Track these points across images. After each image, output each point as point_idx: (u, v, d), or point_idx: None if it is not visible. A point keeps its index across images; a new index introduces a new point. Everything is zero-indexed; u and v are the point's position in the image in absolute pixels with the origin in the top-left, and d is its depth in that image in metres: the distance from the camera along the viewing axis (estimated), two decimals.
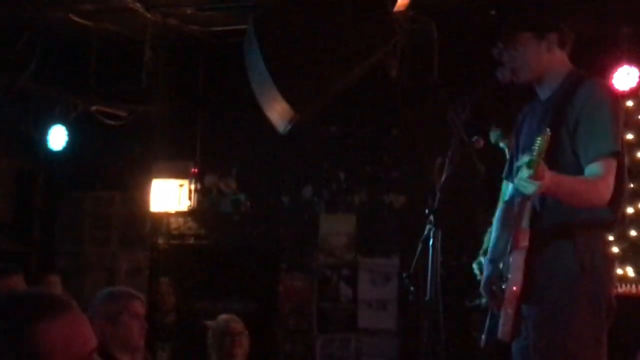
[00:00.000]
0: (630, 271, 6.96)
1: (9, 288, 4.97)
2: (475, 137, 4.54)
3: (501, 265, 3.98)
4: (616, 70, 7.18)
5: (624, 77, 7.15)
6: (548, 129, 3.57)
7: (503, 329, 3.84)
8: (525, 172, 3.49)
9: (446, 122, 5.01)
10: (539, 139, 3.49)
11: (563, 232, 3.84)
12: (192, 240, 9.09)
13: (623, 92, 7.21)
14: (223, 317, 5.88)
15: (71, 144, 8.62)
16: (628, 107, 7.50)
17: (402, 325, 8.08)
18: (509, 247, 3.90)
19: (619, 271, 6.85)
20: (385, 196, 8.50)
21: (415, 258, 4.39)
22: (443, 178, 4.40)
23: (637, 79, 7.17)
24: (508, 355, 4.11)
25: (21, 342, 1.98)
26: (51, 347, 2.00)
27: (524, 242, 3.81)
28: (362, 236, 8.53)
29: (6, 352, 1.98)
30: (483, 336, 4.07)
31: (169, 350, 8.17)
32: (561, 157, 3.84)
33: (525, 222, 3.82)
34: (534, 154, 3.49)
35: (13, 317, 2.01)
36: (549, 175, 3.53)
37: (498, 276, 3.98)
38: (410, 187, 8.09)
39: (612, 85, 7.08)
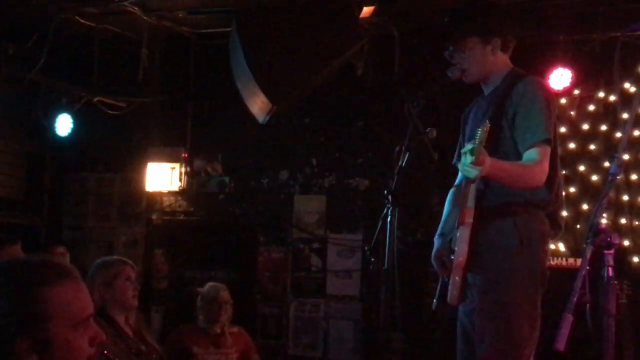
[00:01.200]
0: (561, 246, 7.04)
1: (8, 257, 4.93)
2: (430, 128, 4.55)
3: (450, 239, 4.01)
4: (552, 72, 7.17)
5: (558, 78, 7.16)
6: (488, 121, 3.59)
7: (451, 294, 3.89)
8: (467, 159, 3.50)
9: (404, 115, 5.01)
10: (479, 130, 3.51)
11: (504, 211, 3.86)
12: (182, 217, 9.07)
13: (557, 91, 7.24)
14: (213, 285, 5.92)
15: (76, 130, 8.58)
16: (562, 104, 7.54)
17: (364, 292, 8.07)
18: (456, 223, 3.93)
19: (552, 246, 6.93)
20: (351, 180, 8.48)
21: (376, 233, 4.40)
22: (401, 164, 4.43)
23: (570, 80, 7.20)
24: (455, 317, 4.15)
25: (25, 305, 1.95)
26: (52, 311, 1.96)
27: (469, 219, 3.84)
28: (330, 214, 8.49)
29: (10, 312, 1.94)
30: (434, 300, 4.08)
31: (161, 312, 8.18)
32: (502, 145, 3.88)
33: (470, 202, 3.85)
34: (476, 142, 3.50)
35: (19, 281, 1.98)
36: (489, 161, 3.54)
37: (447, 248, 4.04)
38: (373, 172, 8.10)
39: (548, 84, 7.19)
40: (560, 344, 2.53)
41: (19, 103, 8.65)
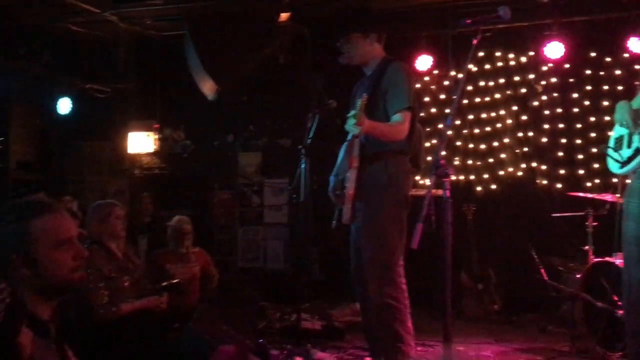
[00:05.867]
0: (427, 182, 7.18)
1: None
2: (331, 100, 4.59)
3: (342, 178, 4.06)
4: (417, 58, 7.25)
5: (422, 62, 7.24)
6: (365, 94, 3.66)
7: (345, 216, 3.90)
8: (351, 121, 3.56)
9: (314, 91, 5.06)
10: (359, 101, 3.58)
11: (378, 157, 3.89)
12: (156, 171, 8.97)
13: (422, 71, 7.35)
14: (177, 217, 5.74)
15: (74, 109, 8.44)
16: (426, 81, 7.65)
17: (290, 220, 8.14)
18: (347, 167, 3.97)
19: (422, 181, 7.04)
20: (279, 140, 8.46)
21: (296, 177, 4.45)
22: (310, 126, 4.47)
23: (431, 63, 7.27)
24: (348, 233, 4.19)
25: (18, 232, 1.96)
26: (37, 236, 1.96)
27: (356, 164, 3.87)
28: (265, 165, 8.52)
29: (8, 237, 1.96)
30: (334, 222, 4.06)
31: (146, 239, 8.07)
32: (377, 111, 3.87)
33: (355, 152, 3.88)
34: (357, 109, 3.57)
35: (14, 215, 1.98)
36: (367, 122, 3.59)
37: (339, 185, 4.05)
38: (294, 133, 8.09)
39: (414, 66, 7.20)
40: (414, 244, 2.60)
41: (30, 90, 8.44)
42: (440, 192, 2.79)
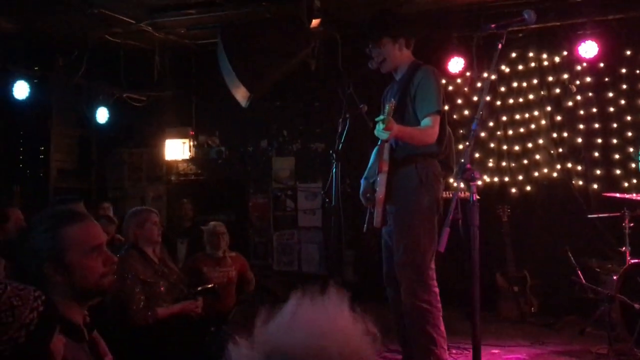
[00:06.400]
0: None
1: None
2: (362, 104, 4.63)
3: (372, 182, 4.09)
4: (450, 60, 7.21)
5: (455, 64, 7.19)
6: (393, 100, 3.70)
7: (376, 220, 3.91)
8: (380, 126, 3.59)
9: (348, 95, 5.08)
10: (387, 105, 3.61)
11: (408, 161, 3.90)
12: (192, 177, 9.11)
13: (454, 73, 7.31)
14: (212, 223, 5.80)
15: (111, 118, 8.60)
16: (458, 83, 7.60)
17: (324, 224, 8.17)
18: (377, 171, 3.98)
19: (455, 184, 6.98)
20: (312, 144, 8.51)
21: (328, 182, 4.47)
22: (341, 131, 4.49)
23: (463, 65, 7.22)
24: (380, 236, 4.22)
25: (50, 240, 2.02)
26: (68, 244, 2.03)
27: (385, 168, 3.88)
28: (298, 170, 8.55)
29: (42, 245, 2.01)
30: (365, 225, 4.06)
31: (185, 244, 8.18)
32: (407, 114, 3.90)
33: (385, 156, 3.89)
34: (385, 114, 3.60)
35: (47, 224, 2.05)
36: (396, 127, 3.62)
37: (370, 188, 4.08)
38: (327, 138, 8.11)
39: (446, 68, 7.19)
40: (442, 247, 2.63)
41: (70, 100, 8.63)
42: (468, 194, 2.80)
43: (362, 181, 4.23)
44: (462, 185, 5.14)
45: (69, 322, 1.96)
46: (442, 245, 2.62)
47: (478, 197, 2.79)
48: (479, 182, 2.81)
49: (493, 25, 3.04)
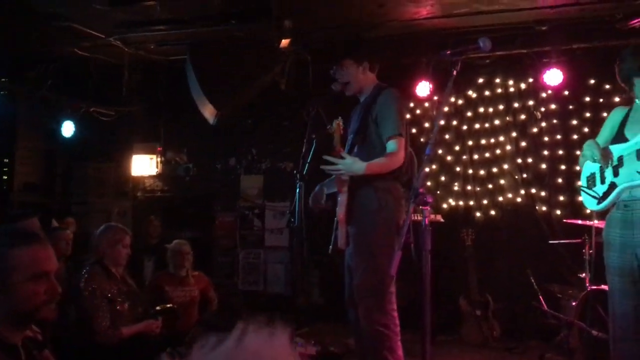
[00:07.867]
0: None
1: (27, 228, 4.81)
2: (329, 126, 4.64)
3: (328, 194, 4.12)
4: (418, 84, 7.26)
5: (423, 88, 7.23)
6: (340, 118, 3.83)
7: (340, 242, 3.91)
8: (348, 162, 3.75)
9: (314, 116, 5.07)
10: (334, 122, 3.79)
11: (368, 183, 3.85)
12: (159, 194, 9.06)
13: (422, 97, 7.38)
14: (176, 241, 5.78)
15: (78, 132, 8.53)
16: (425, 106, 7.65)
17: (290, 244, 8.13)
18: (334, 185, 4.00)
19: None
20: (280, 163, 8.55)
21: (293, 201, 4.46)
22: (304, 151, 4.48)
23: (430, 89, 7.24)
24: (343, 257, 4.16)
25: (1, 259, 2.00)
26: (19, 264, 2.00)
27: (345, 189, 3.89)
28: (267, 189, 8.56)
29: None
30: (331, 246, 4.04)
31: (153, 261, 8.10)
32: (369, 136, 3.90)
33: (344, 176, 3.88)
34: (333, 131, 3.74)
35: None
36: (365, 167, 3.72)
37: (321, 195, 4.17)
38: (297, 157, 8.02)
39: (414, 92, 7.26)
40: (393, 271, 2.64)
41: (36, 114, 8.56)
42: (435, 216, 2.83)
43: (318, 186, 4.24)
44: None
45: (5, 342, 1.94)
46: (394, 268, 2.63)
47: (442, 220, 2.81)
48: (429, 208, 2.79)
49: (448, 52, 3.09)
